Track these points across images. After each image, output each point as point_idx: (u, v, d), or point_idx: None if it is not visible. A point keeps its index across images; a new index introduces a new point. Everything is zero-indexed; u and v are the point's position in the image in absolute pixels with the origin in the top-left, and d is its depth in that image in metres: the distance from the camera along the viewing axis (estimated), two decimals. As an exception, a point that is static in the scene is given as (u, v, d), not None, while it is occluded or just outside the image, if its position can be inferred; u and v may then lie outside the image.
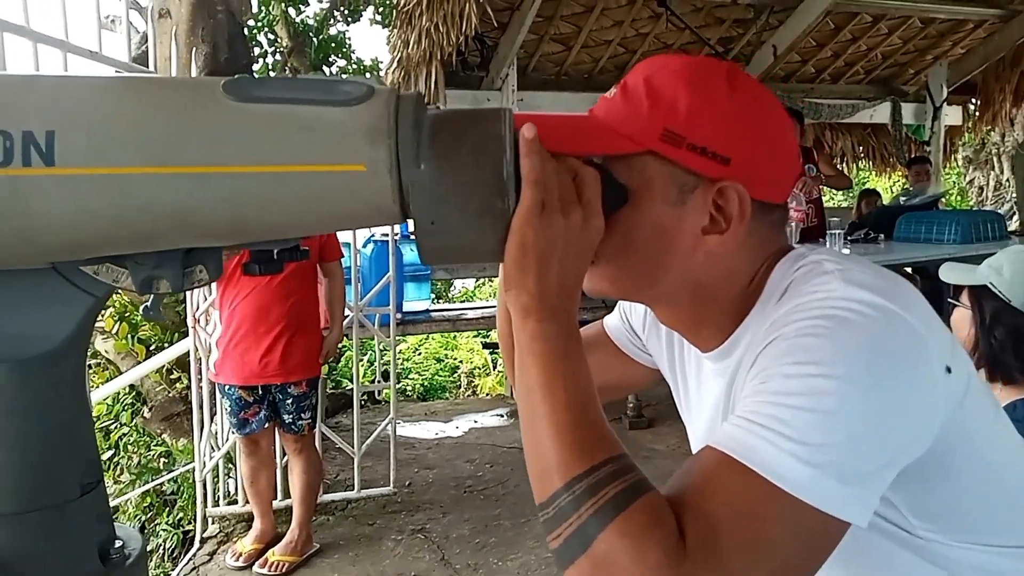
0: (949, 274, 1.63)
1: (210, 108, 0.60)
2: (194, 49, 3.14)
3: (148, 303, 0.73)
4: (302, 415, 2.92)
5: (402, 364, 7.79)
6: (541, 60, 5.67)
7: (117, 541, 0.72)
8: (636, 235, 0.70)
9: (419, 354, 8.61)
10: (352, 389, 3.59)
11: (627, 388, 1.01)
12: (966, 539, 0.70)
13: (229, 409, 2.95)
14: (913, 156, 6.63)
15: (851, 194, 8.16)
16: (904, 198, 5.51)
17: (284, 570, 2.86)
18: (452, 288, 10.38)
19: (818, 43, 6.23)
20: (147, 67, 3.06)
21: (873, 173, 8.82)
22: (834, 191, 7.48)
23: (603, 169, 0.69)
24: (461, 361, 9.24)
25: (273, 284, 2.81)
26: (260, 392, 2.90)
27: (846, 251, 4.10)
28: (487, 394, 6.93)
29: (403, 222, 0.64)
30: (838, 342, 0.60)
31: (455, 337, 9.24)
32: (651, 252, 0.71)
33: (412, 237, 4.26)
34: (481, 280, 9.88)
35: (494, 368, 8.85)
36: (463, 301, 8.68)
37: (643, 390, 0.87)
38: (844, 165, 7.47)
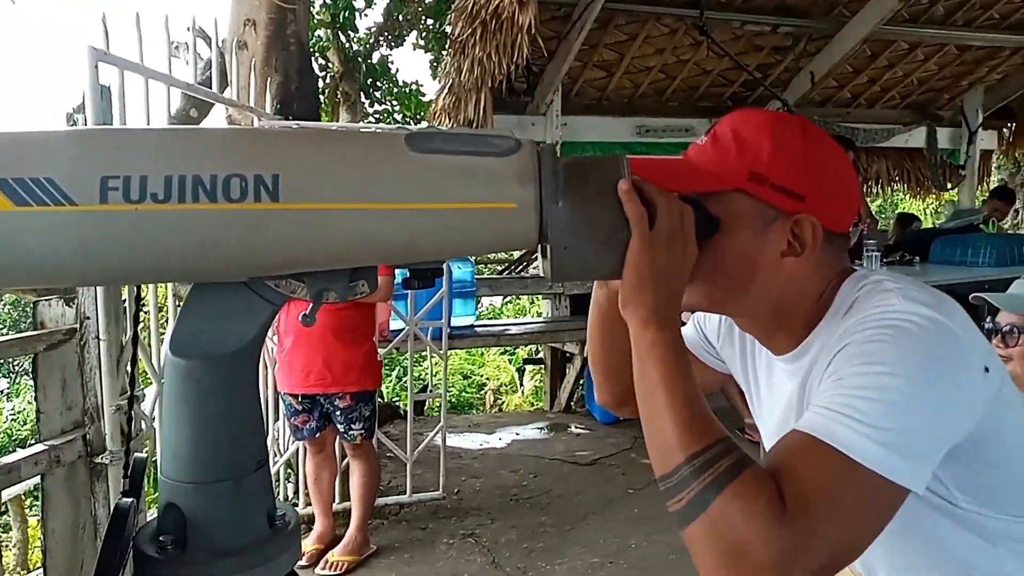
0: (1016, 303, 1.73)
1: (394, 156, 0.77)
2: (268, 79, 3.36)
3: (307, 312, 0.85)
4: (352, 426, 3.04)
5: (428, 379, 7.93)
6: (584, 86, 5.84)
7: (279, 511, 0.86)
8: (726, 259, 0.86)
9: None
10: (396, 400, 3.74)
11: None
12: (1002, 512, 0.84)
13: (286, 415, 3.14)
14: (996, 187, 6.63)
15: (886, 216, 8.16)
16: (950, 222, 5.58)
17: (344, 569, 3.02)
18: (479, 305, 10.49)
19: (855, 69, 6.33)
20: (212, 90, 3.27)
21: (908, 196, 8.85)
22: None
23: (696, 202, 0.86)
24: (488, 379, 9.25)
25: None
26: (309, 401, 3.05)
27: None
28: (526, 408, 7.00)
29: (536, 247, 0.81)
30: (900, 347, 0.75)
31: (482, 354, 9.25)
32: (739, 273, 0.87)
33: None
34: (508, 298, 9.89)
35: (521, 385, 8.88)
36: (490, 318, 8.73)
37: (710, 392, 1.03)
38: (879, 188, 7.56)
